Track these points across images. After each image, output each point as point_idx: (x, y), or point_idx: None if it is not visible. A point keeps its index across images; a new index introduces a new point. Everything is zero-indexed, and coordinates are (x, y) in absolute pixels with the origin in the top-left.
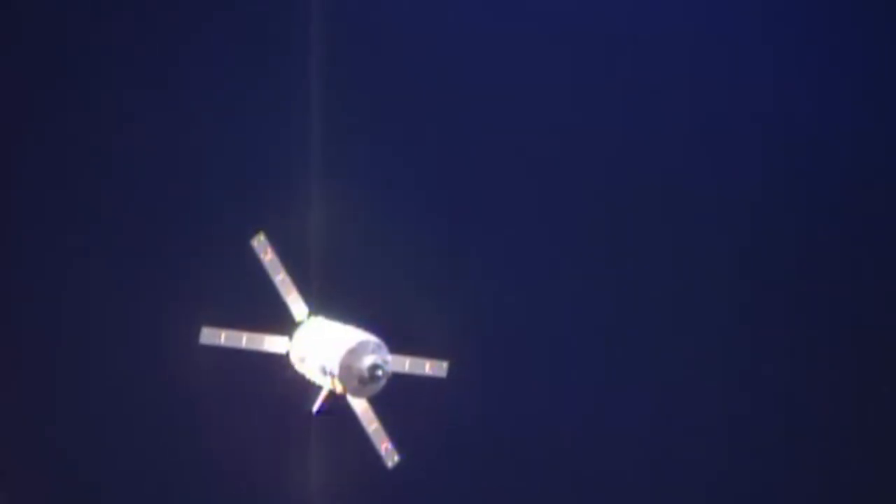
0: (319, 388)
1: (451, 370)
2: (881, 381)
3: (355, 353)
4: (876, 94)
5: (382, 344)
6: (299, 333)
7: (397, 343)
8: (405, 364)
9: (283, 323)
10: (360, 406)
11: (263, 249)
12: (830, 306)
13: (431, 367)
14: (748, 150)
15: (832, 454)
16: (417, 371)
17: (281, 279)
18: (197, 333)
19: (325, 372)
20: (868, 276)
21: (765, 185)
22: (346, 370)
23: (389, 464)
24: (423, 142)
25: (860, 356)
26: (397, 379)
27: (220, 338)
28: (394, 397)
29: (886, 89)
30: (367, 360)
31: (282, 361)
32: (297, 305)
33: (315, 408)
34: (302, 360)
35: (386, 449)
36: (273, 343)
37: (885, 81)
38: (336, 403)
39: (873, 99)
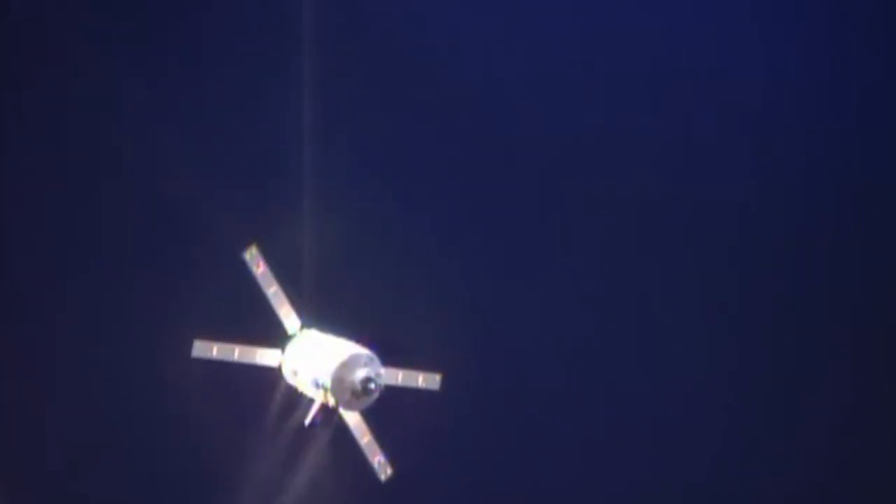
0: (312, 401)
1: (444, 383)
2: (880, 382)
3: (348, 366)
4: (868, 98)
5: (375, 357)
6: (291, 346)
7: (390, 356)
8: (398, 377)
9: (276, 336)
10: (352, 419)
11: (255, 262)
12: (826, 306)
13: (424, 380)
14: (741, 154)
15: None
16: (410, 384)
17: (273, 292)
18: (189, 346)
19: (317, 385)
20: (863, 276)
21: (761, 187)
22: (339, 383)
23: (382, 477)
24: (415, 158)
25: (856, 356)
26: (390, 392)
27: (212, 351)
28: (387, 410)
29: (876, 93)
30: (360, 374)
31: (274, 374)
32: (289, 318)
33: (307, 421)
34: (294, 373)
35: (379, 462)
36: (265, 356)
37: (875, 85)
38: (328, 416)
39: (866, 103)
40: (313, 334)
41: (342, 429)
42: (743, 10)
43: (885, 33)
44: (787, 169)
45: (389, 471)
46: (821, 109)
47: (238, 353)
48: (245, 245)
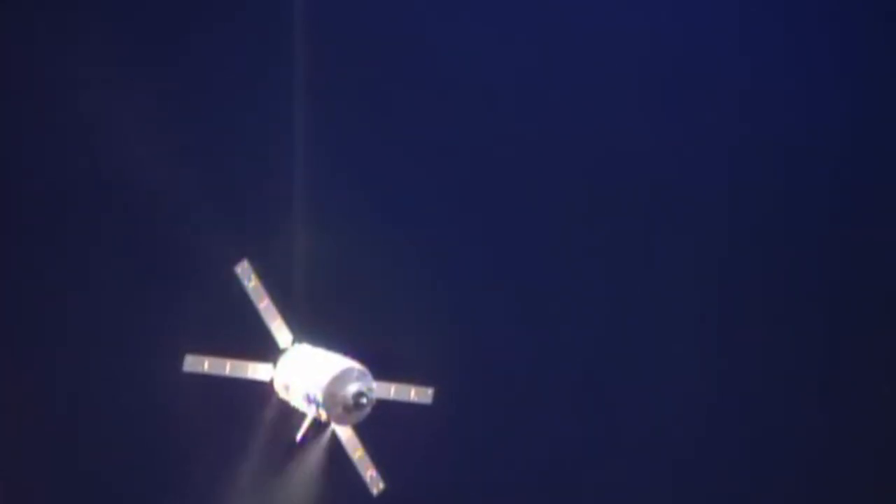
0: (304, 415)
1: (436, 396)
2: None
3: (340, 380)
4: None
5: (367, 371)
6: (283, 361)
7: (382, 370)
8: (390, 391)
9: (268, 350)
10: (344, 433)
11: (247, 276)
12: (827, 306)
13: (416, 394)
14: (740, 153)
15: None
16: (402, 398)
17: (265, 306)
18: (180, 361)
19: (309, 399)
20: (864, 275)
21: (761, 186)
22: (331, 398)
23: (374, 491)
24: (407, 170)
25: (857, 356)
26: (382, 405)
27: (203, 365)
28: (379, 424)
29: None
30: (352, 388)
31: (266, 389)
32: (281, 332)
33: (299, 435)
34: (286, 387)
35: (371, 476)
36: (257, 370)
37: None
38: (320, 431)
39: (868, 103)
40: (305, 348)
41: (334, 443)
42: (744, 9)
43: (885, 34)
44: (788, 168)
45: (382, 485)
46: (822, 108)
47: (230, 367)
48: (237, 260)
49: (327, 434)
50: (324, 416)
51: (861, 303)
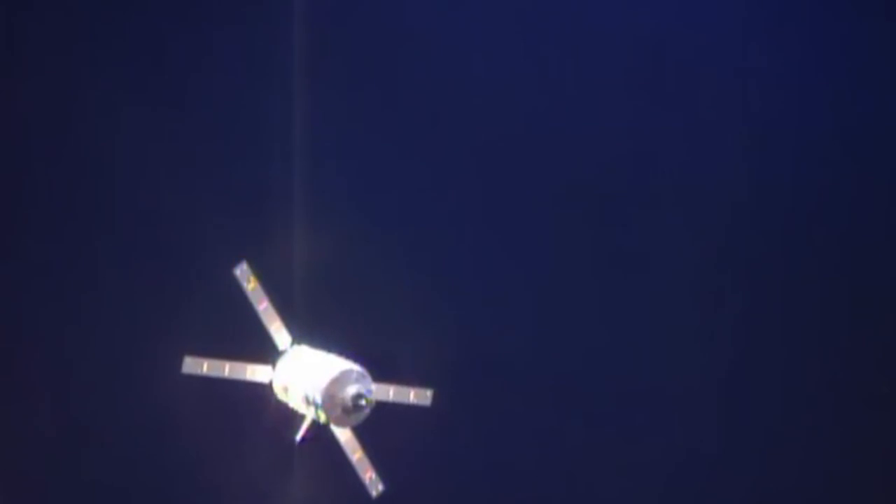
0: (303, 417)
1: (435, 398)
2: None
3: (339, 382)
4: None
5: (366, 373)
6: (282, 362)
7: (381, 371)
8: (389, 393)
9: (266, 352)
10: (343, 435)
11: (246, 278)
12: (828, 307)
13: (416, 396)
14: (738, 154)
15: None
16: (402, 399)
17: (264, 308)
18: (179, 363)
19: (308, 401)
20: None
21: (761, 187)
22: (330, 399)
23: (374, 493)
24: (405, 172)
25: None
26: (381, 407)
27: (202, 367)
28: (378, 426)
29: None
30: (351, 390)
31: (265, 391)
32: (280, 334)
33: (298, 437)
34: (285, 389)
35: (370, 478)
36: (256, 372)
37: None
38: (319, 433)
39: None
40: (304, 350)
41: (333, 445)
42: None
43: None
44: (793, 168)
45: (381, 487)
46: (823, 106)
47: (228, 369)
48: (236, 261)
49: (326, 436)
50: (323, 417)
51: (862, 303)
